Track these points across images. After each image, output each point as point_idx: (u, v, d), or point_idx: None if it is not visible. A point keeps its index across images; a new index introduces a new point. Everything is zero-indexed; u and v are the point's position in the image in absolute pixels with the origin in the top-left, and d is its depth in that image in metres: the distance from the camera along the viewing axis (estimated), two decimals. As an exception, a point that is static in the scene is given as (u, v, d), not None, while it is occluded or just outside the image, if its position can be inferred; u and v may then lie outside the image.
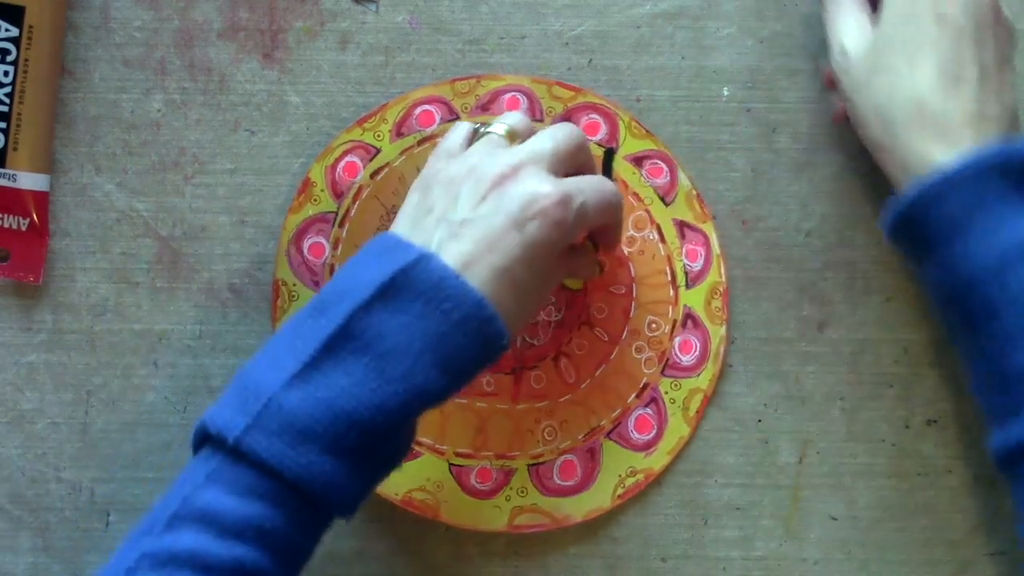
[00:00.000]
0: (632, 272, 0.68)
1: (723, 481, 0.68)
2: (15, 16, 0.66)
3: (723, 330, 0.67)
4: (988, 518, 0.69)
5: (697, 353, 0.68)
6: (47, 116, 0.67)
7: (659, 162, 0.68)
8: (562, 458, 0.67)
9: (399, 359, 0.54)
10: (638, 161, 0.68)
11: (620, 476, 0.67)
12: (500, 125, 0.60)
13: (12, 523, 0.68)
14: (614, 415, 0.67)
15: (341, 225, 0.67)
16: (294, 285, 0.67)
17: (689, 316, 0.67)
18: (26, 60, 0.66)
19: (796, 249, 0.69)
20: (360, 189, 0.67)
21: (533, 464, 0.67)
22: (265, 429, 0.53)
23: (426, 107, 0.68)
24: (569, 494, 0.67)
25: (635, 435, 0.67)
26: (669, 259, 0.68)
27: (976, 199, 0.58)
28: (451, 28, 0.68)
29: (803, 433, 0.68)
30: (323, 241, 0.68)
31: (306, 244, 0.67)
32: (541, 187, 0.56)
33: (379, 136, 0.68)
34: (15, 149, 0.66)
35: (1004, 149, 0.58)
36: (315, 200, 0.67)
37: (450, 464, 0.67)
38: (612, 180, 0.63)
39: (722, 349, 0.67)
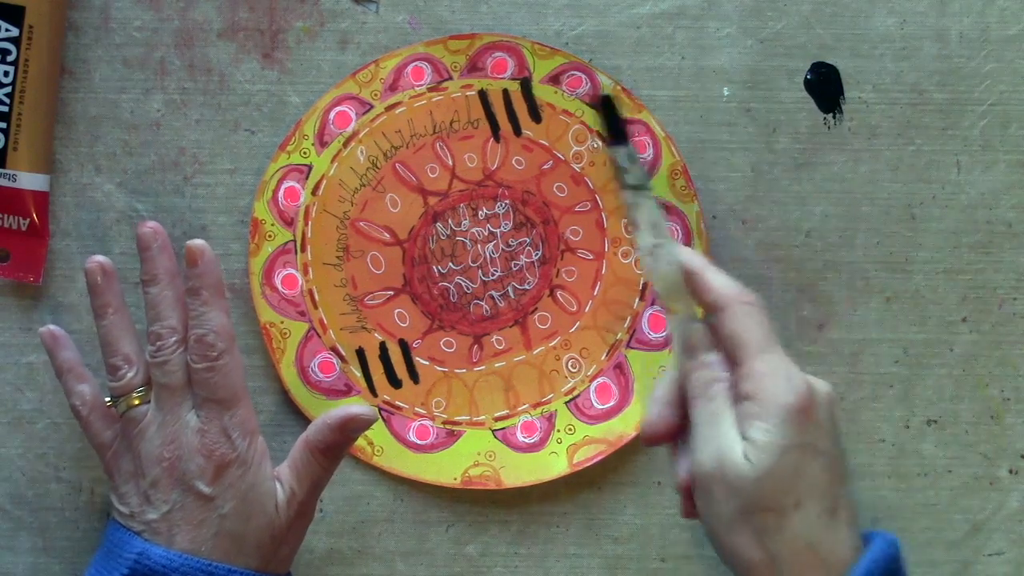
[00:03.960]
0: (591, 185, 0.68)
1: (723, 481, 0.68)
2: (15, 16, 0.66)
3: (696, 206, 0.68)
4: (988, 518, 0.69)
5: (681, 236, 0.68)
6: (47, 116, 0.67)
7: (576, 72, 0.68)
8: (594, 383, 0.68)
9: None
10: (555, 79, 0.68)
11: (655, 379, 0.68)
12: (123, 401, 0.62)
13: (12, 523, 0.68)
14: (627, 325, 0.68)
15: (303, 250, 0.68)
16: (281, 323, 0.68)
17: (660, 205, 0.68)
18: (26, 60, 0.66)
19: (796, 249, 0.69)
20: (307, 209, 0.68)
21: (570, 400, 0.68)
22: None
23: (338, 109, 0.68)
24: (614, 414, 0.68)
25: (653, 335, 0.68)
26: None
27: None
28: (451, 28, 0.68)
29: (803, 433, 0.68)
30: (292, 271, 0.68)
31: (278, 279, 0.68)
32: (203, 445, 0.61)
33: (305, 153, 0.68)
34: (15, 149, 0.66)
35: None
36: (269, 236, 0.68)
37: (492, 431, 0.68)
38: (536, 109, 0.67)
39: (703, 225, 0.68)
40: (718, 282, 0.57)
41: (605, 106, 0.60)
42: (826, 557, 0.54)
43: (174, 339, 0.62)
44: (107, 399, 0.63)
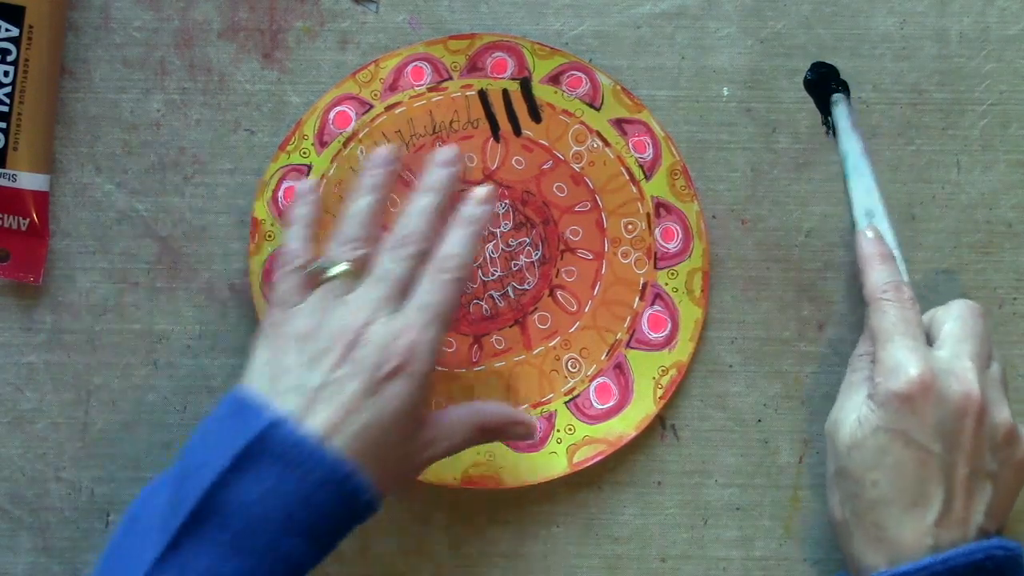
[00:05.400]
0: (591, 185, 0.68)
1: (723, 481, 0.68)
2: (15, 16, 0.66)
3: (696, 206, 0.68)
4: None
5: (680, 236, 0.68)
6: (47, 116, 0.67)
7: (576, 72, 0.68)
8: (594, 383, 0.68)
9: (260, 532, 0.55)
10: (555, 79, 0.68)
11: (655, 379, 0.68)
12: (340, 266, 0.60)
13: (12, 523, 0.68)
14: (626, 325, 0.68)
15: None
16: None
17: (660, 204, 0.68)
18: (26, 60, 0.66)
19: (796, 249, 0.69)
20: None
21: (569, 400, 0.68)
22: None
23: (338, 109, 0.68)
24: (614, 414, 0.68)
25: (652, 335, 0.68)
26: (620, 159, 0.68)
27: None
28: (451, 28, 0.68)
29: (803, 433, 0.68)
30: None
31: None
32: (392, 344, 0.58)
33: (305, 153, 0.68)
34: (15, 149, 0.66)
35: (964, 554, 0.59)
36: (269, 236, 0.68)
37: None
38: (536, 109, 0.67)
39: (703, 225, 0.68)
40: (870, 280, 0.64)
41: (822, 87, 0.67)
42: (890, 540, 0.60)
43: (417, 247, 0.60)
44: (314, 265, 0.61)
